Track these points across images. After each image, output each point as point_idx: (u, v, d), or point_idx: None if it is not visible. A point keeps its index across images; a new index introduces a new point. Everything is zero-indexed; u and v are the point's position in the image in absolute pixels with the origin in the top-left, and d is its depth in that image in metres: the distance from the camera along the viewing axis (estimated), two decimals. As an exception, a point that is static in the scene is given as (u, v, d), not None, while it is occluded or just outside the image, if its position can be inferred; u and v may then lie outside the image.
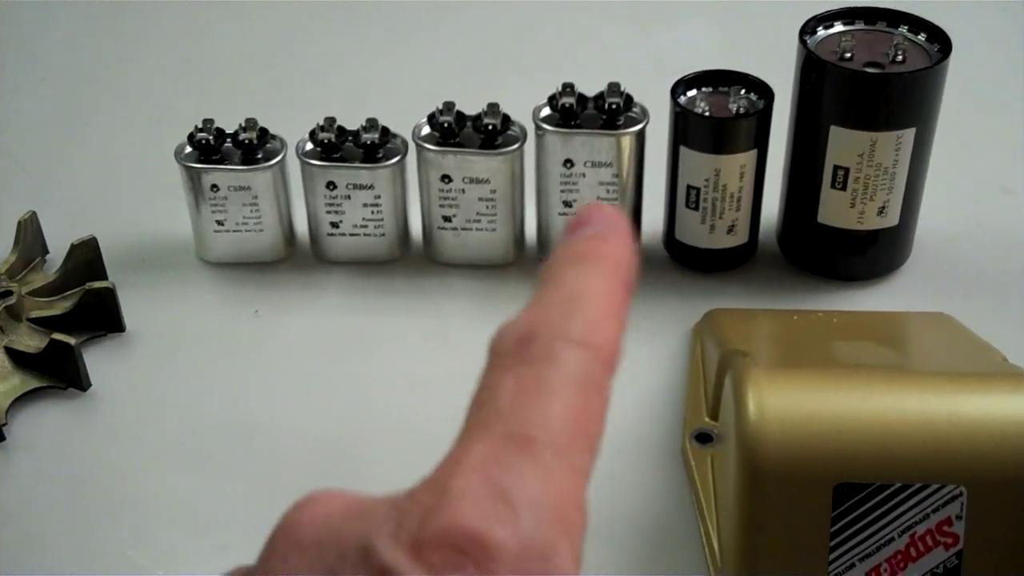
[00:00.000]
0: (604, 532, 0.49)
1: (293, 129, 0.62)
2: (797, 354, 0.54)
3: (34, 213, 0.64)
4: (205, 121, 0.61)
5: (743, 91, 0.59)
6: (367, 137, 0.61)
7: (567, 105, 0.59)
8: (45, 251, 0.65)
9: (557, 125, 0.59)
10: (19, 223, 0.63)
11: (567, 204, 0.61)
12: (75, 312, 0.59)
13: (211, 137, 0.61)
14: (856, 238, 0.60)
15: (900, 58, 0.57)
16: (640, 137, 0.59)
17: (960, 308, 0.57)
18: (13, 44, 0.84)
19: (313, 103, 0.75)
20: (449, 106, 0.60)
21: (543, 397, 0.26)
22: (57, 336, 0.56)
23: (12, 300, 0.58)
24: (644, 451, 0.54)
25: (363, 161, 0.61)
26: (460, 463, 0.25)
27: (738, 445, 0.42)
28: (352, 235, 0.63)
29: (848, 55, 0.57)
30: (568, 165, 0.60)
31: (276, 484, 0.52)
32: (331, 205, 0.62)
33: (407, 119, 0.61)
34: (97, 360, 0.58)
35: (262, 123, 0.62)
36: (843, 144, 0.57)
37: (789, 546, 0.42)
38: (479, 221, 0.62)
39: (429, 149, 0.60)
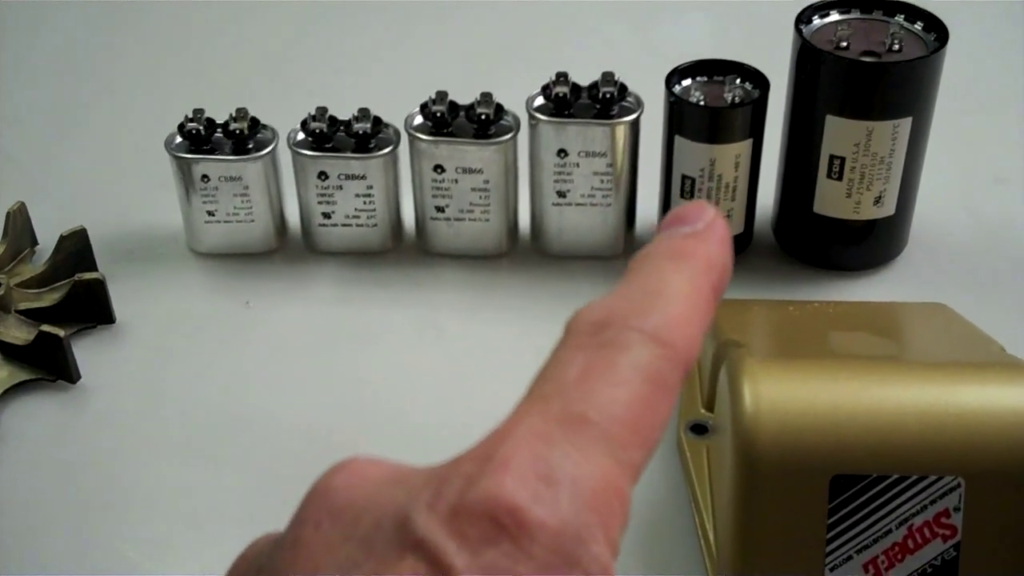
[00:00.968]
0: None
1: (284, 119, 0.62)
2: (793, 345, 0.53)
3: (23, 204, 0.63)
4: (195, 111, 0.61)
5: (738, 80, 0.59)
6: (359, 127, 0.60)
7: (561, 94, 0.59)
8: (34, 242, 0.64)
9: (551, 115, 0.59)
10: (8, 214, 0.62)
11: (560, 194, 0.61)
12: (64, 303, 0.59)
13: (202, 127, 0.61)
14: (852, 228, 0.60)
15: (896, 47, 0.56)
16: (634, 127, 0.59)
17: (957, 298, 0.56)
18: (2, 35, 0.84)
19: (304, 93, 0.75)
20: (442, 95, 0.60)
21: (608, 382, 0.25)
22: (46, 328, 0.56)
23: (0, 292, 0.58)
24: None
25: (355, 151, 0.60)
26: (510, 434, 0.24)
27: (734, 436, 0.42)
28: (344, 226, 0.62)
29: (844, 44, 0.57)
30: (562, 155, 0.59)
31: (267, 475, 0.52)
32: (323, 195, 0.61)
33: (399, 109, 0.60)
34: (87, 352, 0.58)
35: (253, 113, 0.61)
36: (839, 133, 0.57)
37: (785, 538, 0.41)
38: (472, 211, 0.61)
39: (422, 139, 0.60)
